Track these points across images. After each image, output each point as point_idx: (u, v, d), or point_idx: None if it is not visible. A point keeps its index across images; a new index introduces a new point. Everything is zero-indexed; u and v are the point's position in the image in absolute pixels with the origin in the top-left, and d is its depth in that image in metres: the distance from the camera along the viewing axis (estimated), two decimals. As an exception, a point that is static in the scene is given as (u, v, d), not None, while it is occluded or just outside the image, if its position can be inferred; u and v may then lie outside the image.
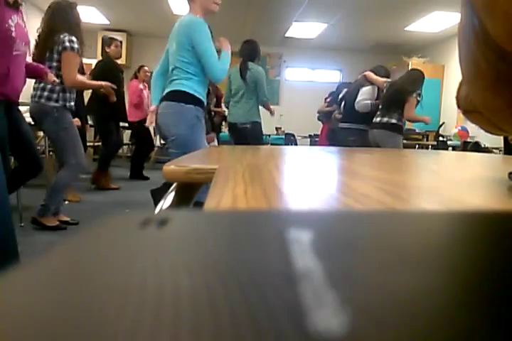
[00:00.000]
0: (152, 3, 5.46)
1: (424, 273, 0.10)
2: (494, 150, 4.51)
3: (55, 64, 2.31)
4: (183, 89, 1.86)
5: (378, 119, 3.04)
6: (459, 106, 0.42)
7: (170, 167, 0.51)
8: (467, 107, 0.38)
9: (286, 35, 6.63)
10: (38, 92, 2.31)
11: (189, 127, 1.86)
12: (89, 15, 5.94)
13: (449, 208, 0.26)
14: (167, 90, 1.93)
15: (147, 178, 4.49)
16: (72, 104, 2.44)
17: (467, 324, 0.07)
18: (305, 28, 6.23)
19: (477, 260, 0.12)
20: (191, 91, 1.87)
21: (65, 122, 2.34)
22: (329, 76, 7.72)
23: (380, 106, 3.09)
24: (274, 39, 6.80)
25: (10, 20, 1.79)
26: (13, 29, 1.81)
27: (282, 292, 0.09)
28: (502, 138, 3.56)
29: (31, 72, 2.09)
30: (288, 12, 5.49)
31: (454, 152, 2.01)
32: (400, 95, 2.98)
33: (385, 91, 3.09)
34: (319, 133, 5.18)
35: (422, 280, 0.09)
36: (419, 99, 3.02)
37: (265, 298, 0.08)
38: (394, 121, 3.00)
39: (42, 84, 2.31)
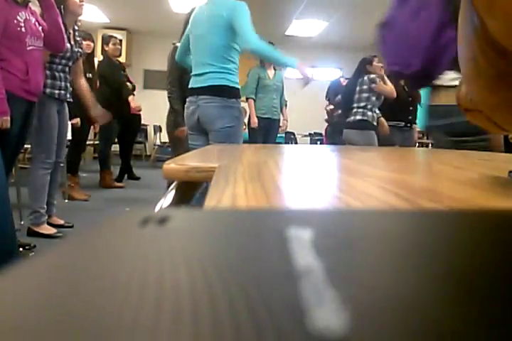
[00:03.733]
0: (152, 1, 5.45)
1: (425, 272, 0.10)
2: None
3: None
4: (225, 84, 1.78)
5: (350, 119, 3.05)
6: (459, 105, 0.42)
7: (170, 165, 0.51)
8: (467, 106, 0.38)
9: (287, 33, 6.62)
10: None
11: (233, 119, 1.81)
12: (90, 13, 5.93)
13: (449, 207, 0.26)
14: (206, 83, 1.78)
15: (138, 178, 4.42)
16: (64, 92, 2.25)
17: (467, 323, 0.07)
18: (305, 26, 6.22)
19: (477, 259, 0.12)
20: (232, 85, 1.80)
21: (42, 111, 2.12)
22: (330, 74, 7.71)
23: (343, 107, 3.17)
24: (275, 37, 6.76)
25: (18, 17, 1.83)
26: (23, 24, 1.84)
27: (282, 290, 0.09)
28: (502, 136, 3.56)
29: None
30: (288, 10, 5.48)
31: (455, 150, 2.00)
32: (352, 93, 3.01)
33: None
34: (324, 131, 5.15)
35: (422, 279, 0.09)
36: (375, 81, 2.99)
37: (265, 296, 0.08)
38: (359, 117, 2.98)
39: None
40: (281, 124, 3.72)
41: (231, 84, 1.80)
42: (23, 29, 1.84)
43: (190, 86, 1.85)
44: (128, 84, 3.91)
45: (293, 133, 6.16)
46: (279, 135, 4.06)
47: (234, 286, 0.09)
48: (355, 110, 2.99)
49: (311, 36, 6.79)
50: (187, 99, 1.87)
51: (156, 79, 6.82)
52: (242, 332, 0.07)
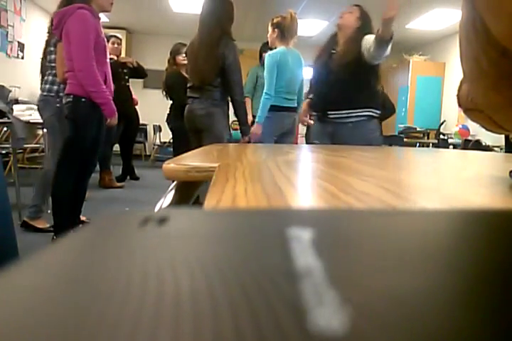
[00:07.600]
0: (152, 0, 5.44)
1: (425, 272, 0.10)
2: (495, 149, 4.50)
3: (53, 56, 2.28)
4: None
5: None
6: (460, 105, 0.42)
7: (170, 165, 0.51)
8: (468, 105, 0.38)
9: (287, 32, 6.61)
10: (43, 85, 2.34)
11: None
12: (89, 12, 5.92)
13: (450, 207, 0.26)
14: (296, 105, 2.65)
15: (137, 178, 4.41)
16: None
17: (467, 322, 0.07)
18: (306, 26, 6.22)
19: (478, 259, 0.12)
20: None
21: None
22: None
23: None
24: (275, 37, 6.77)
25: (100, 30, 1.99)
26: (104, 38, 2.03)
27: (283, 290, 0.09)
28: (503, 136, 3.56)
29: None
30: (288, 9, 5.48)
31: (455, 150, 2.01)
32: None
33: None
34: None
35: (422, 279, 0.09)
36: None
37: (266, 296, 0.08)
38: None
39: (47, 78, 2.32)
40: None
41: None
42: (106, 42, 2.03)
43: (284, 105, 2.61)
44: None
45: (293, 133, 6.14)
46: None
47: (234, 286, 0.09)
48: None
49: (311, 35, 6.79)
50: (284, 113, 2.61)
51: (155, 79, 6.81)
52: (242, 331, 0.07)
